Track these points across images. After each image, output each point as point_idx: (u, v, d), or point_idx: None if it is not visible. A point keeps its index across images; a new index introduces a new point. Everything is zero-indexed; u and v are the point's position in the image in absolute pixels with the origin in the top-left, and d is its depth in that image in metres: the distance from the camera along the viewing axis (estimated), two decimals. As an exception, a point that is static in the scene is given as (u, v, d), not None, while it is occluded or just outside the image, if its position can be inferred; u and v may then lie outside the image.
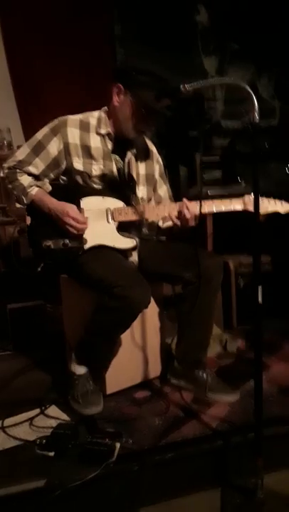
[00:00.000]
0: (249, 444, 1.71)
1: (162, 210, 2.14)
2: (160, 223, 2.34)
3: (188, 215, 2.06)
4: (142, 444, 1.79)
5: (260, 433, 1.62)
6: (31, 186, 2.10)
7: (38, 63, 3.60)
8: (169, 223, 2.20)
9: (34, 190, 2.10)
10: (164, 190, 2.43)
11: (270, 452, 1.65)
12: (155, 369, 2.37)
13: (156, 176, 2.40)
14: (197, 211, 2.05)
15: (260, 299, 1.57)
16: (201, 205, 2.03)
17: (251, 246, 1.61)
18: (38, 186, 2.12)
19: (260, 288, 1.57)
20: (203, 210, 2.06)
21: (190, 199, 2.10)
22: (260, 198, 1.66)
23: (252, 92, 1.51)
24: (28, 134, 2.73)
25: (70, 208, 2.06)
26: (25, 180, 2.12)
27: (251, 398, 1.65)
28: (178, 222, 2.10)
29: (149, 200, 2.37)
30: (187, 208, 2.06)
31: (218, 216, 2.22)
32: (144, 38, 3.83)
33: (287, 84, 4.35)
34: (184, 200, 2.09)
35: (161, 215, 2.15)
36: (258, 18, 4.16)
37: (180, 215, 2.09)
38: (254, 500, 1.63)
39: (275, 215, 2.12)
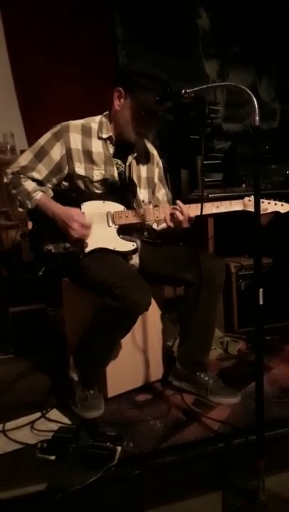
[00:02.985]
0: (250, 446, 1.71)
1: (162, 213, 2.15)
2: (154, 226, 2.35)
3: (180, 217, 2.06)
4: (143, 447, 1.79)
5: (262, 435, 1.62)
6: (36, 191, 2.11)
7: (41, 68, 3.61)
8: (164, 225, 2.21)
9: (38, 195, 2.11)
10: (162, 193, 2.44)
11: (271, 454, 1.65)
12: (156, 372, 2.36)
13: (156, 179, 2.41)
14: (191, 213, 2.07)
15: (261, 301, 1.57)
16: (202, 208, 2.04)
17: (252, 248, 1.61)
18: (42, 191, 2.13)
19: (261, 290, 1.57)
20: (203, 212, 2.06)
21: (191, 202, 2.11)
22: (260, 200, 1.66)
23: (253, 95, 1.51)
24: (31, 138, 2.74)
25: (75, 213, 2.08)
26: (29, 185, 2.12)
27: (252, 400, 1.65)
28: (171, 224, 2.11)
29: (150, 203, 2.38)
30: (180, 210, 2.07)
31: (219, 219, 2.23)
32: (145, 41, 3.84)
33: (288, 87, 4.36)
34: (178, 202, 2.10)
35: (160, 217, 2.16)
36: (259, 21, 4.18)
37: (173, 217, 2.09)
38: (256, 502, 1.62)
39: (276, 215, 2.13)
